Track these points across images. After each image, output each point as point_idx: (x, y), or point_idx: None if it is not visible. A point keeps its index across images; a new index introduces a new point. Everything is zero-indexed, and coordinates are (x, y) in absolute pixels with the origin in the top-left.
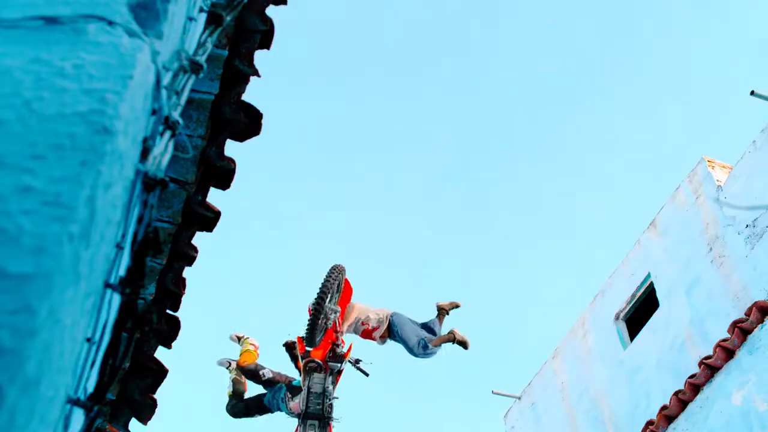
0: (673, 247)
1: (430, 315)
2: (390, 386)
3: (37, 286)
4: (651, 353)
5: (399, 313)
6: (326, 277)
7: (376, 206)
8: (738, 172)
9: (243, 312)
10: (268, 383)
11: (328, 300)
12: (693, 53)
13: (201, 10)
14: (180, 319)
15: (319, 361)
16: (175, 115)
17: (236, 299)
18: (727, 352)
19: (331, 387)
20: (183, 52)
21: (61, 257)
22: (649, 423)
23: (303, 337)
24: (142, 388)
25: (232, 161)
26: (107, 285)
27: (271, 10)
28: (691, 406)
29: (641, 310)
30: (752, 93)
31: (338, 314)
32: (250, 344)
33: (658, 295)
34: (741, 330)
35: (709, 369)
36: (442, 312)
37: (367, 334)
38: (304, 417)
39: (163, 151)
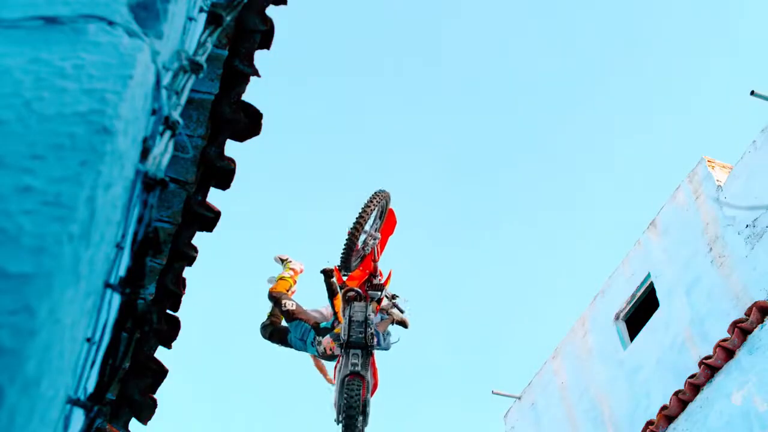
0: (673, 247)
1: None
2: (390, 386)
3: (37, 286)
4: (651, 353)
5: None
6: (368, 200)
7: None
8: (738, 172)
9: (243, 312)
10: (288, 315)
11: (367, 225)
12: (693, 53)
13: (201, 10)
14: (180, 319)
15: (359, 290)
16: (175, 115)
17: (236, 299)
18: (727, 352)
19: (372, 315)
20: (183, 52)
21: (61, 257)
22: (649, 423)
23: (339, 266)
24: (142, 388)
25: (232, 161)
26: (107, 285)
27: (271, 10)
28: (691, 406)
29: (641, 310)
30: (752, 93)
31: (378, 242)
32: (290, 269)
33: (658, 295)
34: (741, 330)
35: (709, 369)
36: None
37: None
38: (346, 347)
39: (163, 151)
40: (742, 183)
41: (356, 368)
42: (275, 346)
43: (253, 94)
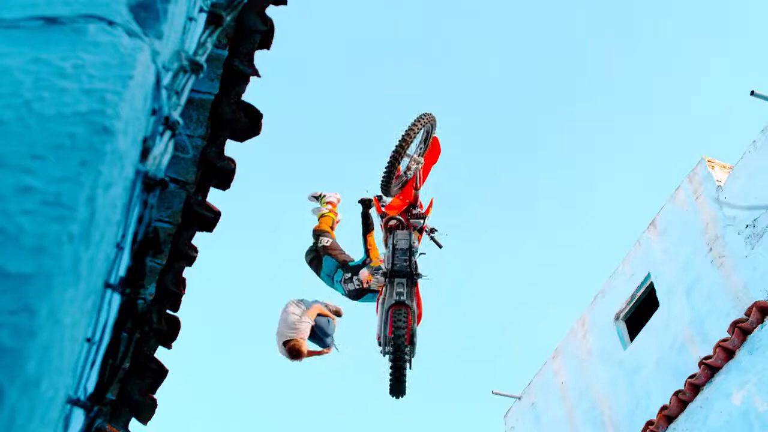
0: (673, 247)
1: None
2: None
3: (37, 286)
4: (651, 353)
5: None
6: (413, 122)
7: None
8: (738, 172)
9: (243, 312)
10: (322, 250)
11: (411, 148)
12: (693, 53)
13: (201, 10)
14: (180, 319)
15: (401, 218)
16: (175, 115)
17: (236, 299)
18: (727, 352)
19: (416, 244)
20: (183, 52)
21: (61, 257)
22: (649, 423)
23: (378, 196)
24: (142, 388)
25: (232, 161)
26: (107, 285)
27: (271, 10)
28: (691, 406)
29: (641, 310)
30: (752, 93)
31: (421, 167)
32: (327, 203)
33: (658, 295)
34: (741, 330)
35: (709, 369)
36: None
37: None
38: (390, 276)
39: (163, 151)
40: (742, 183)
41: (401, 298)
42: (275, 346)
43: (253, 94)
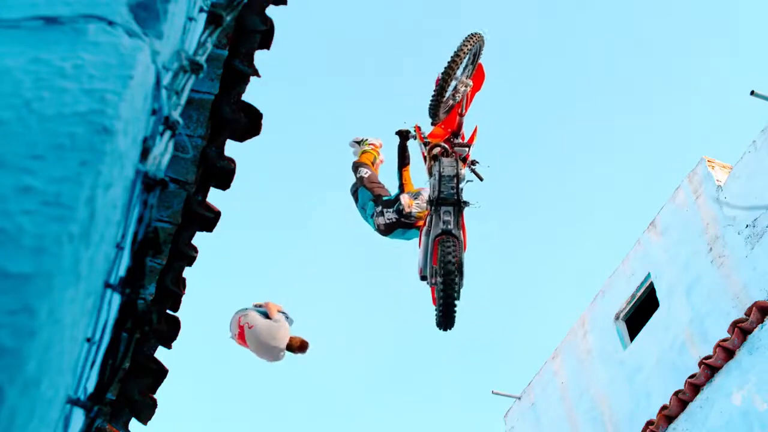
0: (673, 247)
1: None
2: (390, 386)
3: (37, 286)
4: (651, 353)
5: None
6: (462, 43)
7: None
8: (738, 172)
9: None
10: (359, 181)
11: (459, 70)
12: (693, 53)
13: (201, 10)
14: (180, 319)
15: (445, 145)
16: (175, 115)
17: (236, 299)
18: (727, 352)
19: (463, 171)
20: (183, 52)
21: (61, 257)
22: (649, 423)
23: (416, 128)
24: (142, 388)
25: (232, 161)
26: (107, 285)
27: (271, 10)
28: (691, 406)
29: (641, 310)
30: (752, 93)
31: (469, 89)
32: (369, 144)
33: (658, 295)
34: (741, 330)
35: (709, 369)
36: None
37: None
38: (436, 204)
39: (163, 151)
40: (742, 183)
41: (448, 226)
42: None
43: (253, 94)
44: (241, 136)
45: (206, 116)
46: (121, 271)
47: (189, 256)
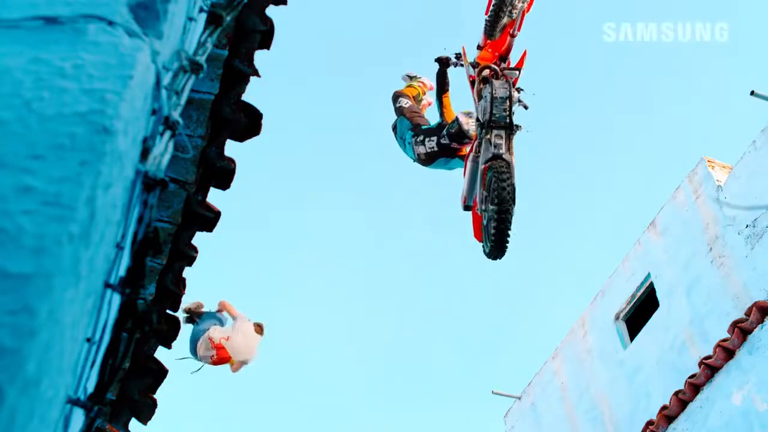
0: (673, 247)
1: None
2: (389, 386)
3: (37, 286)
4: (651, 353)
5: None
6: None
7: (376, 206)
8: (738, 172)
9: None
10: (398, 112)
11: None
12: (693, 53)
13: (201, 10)
14: (180, 319)
15: (495, 67)
16: (175, 115)
17: (236, 299)
18: (727, 352)
19: (516, 94)
20: (183, 52)
21: (61, 257)
22: (649, 423)
23: (464, 49)
24: (142, 388)
25: (232, 161)
26: (107, 285)
27: (271, 10)
28: (691, 406)
29: (641, 310)
30: (752, 93)
31: (527, 5)
32: (420, 81)
33: (658, 295)
34: (741, 330)
35: (709, 369)
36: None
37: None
38: (487, 127)
39: (163, 151)
40: (742, 183)
41: (500, 150)
42: (274, 342)
43: (253, 94)
44: (241, 136)
45: (206, 116)
46: (121, 271)
47: (189, 256)
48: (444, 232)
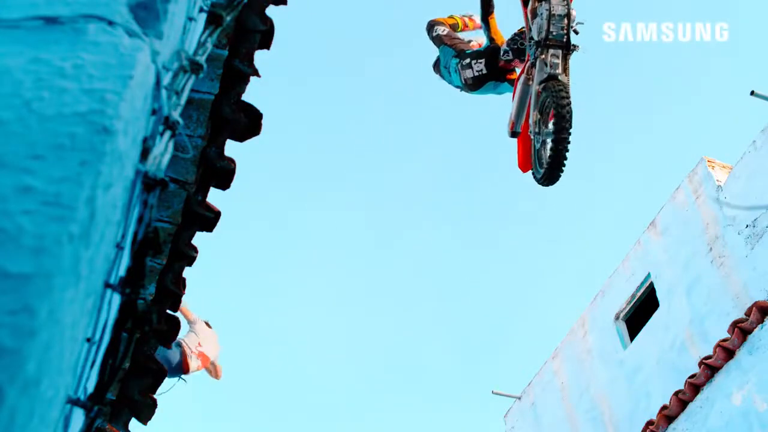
0: (673, 247)
1: None
2: (389, 386)
3: (37, 286)
4: (651, 353)
5: None
6: None
7: (376, 206)
8: (738, 172)
9: (242, 312)
10: (437, 41)
11: None
12: (693, 53)
13: (201, 10)
14: (180, 319)
15: None
16: (175, 115)
17: (236, 299)
18: (727, 352)
19: (574, 12)
20: (183, 52)
21: (61, 257)
22: (649, 423)
23: None
24: (142, 388)
25: (232, 161)
26: (107, 285)
27: (271, 10)
28: (691, 406)
29: (641, 310)
30: (752, 93)
31: None
32: (466, 16)
33: (658, 295)
34: (741, 330)
35: (709, 369)
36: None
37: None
38: (544, 45)
39: (163, 151)
40: (742, 183)
41: (556, 70)
42: (274, 342)
43: (253, 94)
44: (241, 136)
45: (206, 116)
46: (121, 271)
47: (189, 256)
48: (444, 232)
